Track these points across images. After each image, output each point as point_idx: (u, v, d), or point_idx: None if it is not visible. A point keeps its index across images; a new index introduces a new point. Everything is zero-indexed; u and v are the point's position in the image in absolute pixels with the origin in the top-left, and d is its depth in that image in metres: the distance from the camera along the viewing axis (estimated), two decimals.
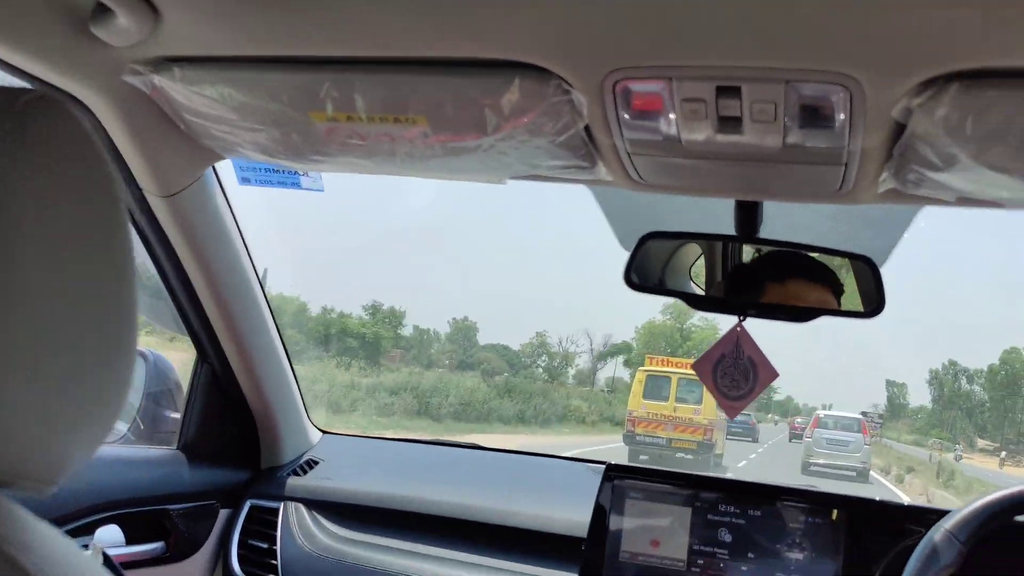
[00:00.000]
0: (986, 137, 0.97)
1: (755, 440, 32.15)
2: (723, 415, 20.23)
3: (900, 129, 1.02)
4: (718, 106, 1.02)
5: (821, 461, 21.06)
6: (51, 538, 0.54)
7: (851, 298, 1.46)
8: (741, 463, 20.84)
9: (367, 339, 36.55)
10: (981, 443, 47.38)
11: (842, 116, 1.01)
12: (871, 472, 22.36)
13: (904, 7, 0.84)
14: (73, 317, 0.57)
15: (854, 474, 20.82)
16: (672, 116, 1.06)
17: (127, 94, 1.25)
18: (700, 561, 1.60)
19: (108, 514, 1.59)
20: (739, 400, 1.44)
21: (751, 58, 0.96)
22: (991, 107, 0.94)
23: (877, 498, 1.62)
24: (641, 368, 20.26)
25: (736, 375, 1.44)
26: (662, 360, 21.29)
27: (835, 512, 1.59)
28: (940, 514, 1.42)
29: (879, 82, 0.95)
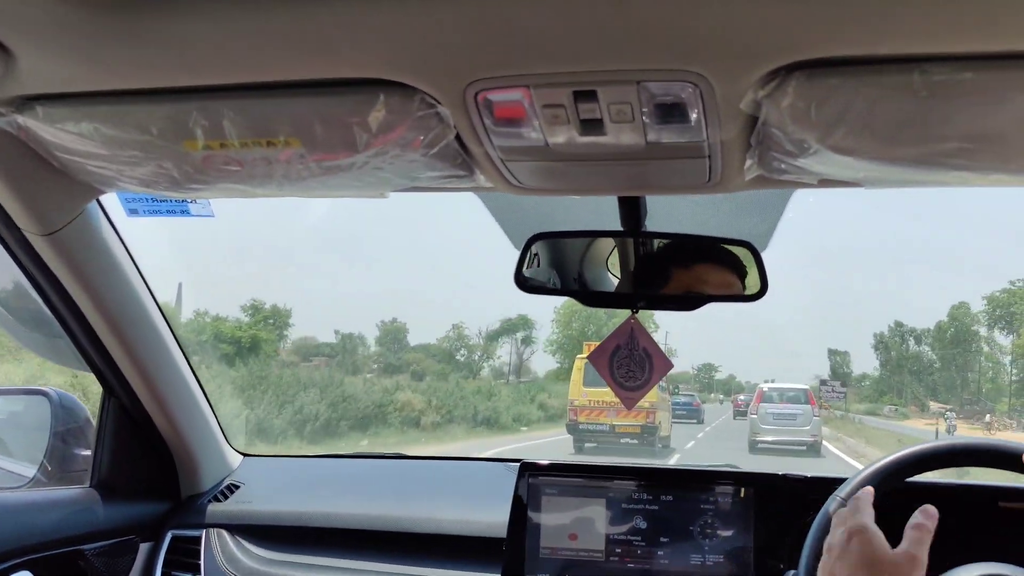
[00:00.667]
0: (830, 123, 1.01)
1: (700, 421, 32.09)
2: (667, 396, 20.75)
3: (753, 120, 1.06)
4: (578, 110, 1.05)
5: (768, 438, 20.17)
6: None
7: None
8: (689, 444, 21.14)
9: (243, 344, 31.52)
10: (934, 406, 46.64)
11: (696, 112, 1.04)
12: (824, 444, 21.50)
13: (741, 4, 0.88)
14: None
15: (804, 448, 19.90)
16: (535, 122, 1.08)
17: None
18: (618, 550, 1.64)
19: (17, 560, 1.56)
20: (635, 391, 1.48)
21: (602, 62, 0.98)
22: (831, 94, 0.98)
23: (780, 472, 1.68)
24: (579, 356, 20.15)
25: (632, 366, 1.47)
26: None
27: (743, 490, 1.64)
28: (839, 481, 1.47)
29: (724, 77, 0.98)
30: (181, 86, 1.12)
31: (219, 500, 1.96)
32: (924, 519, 1.15)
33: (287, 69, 1.07)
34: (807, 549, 1.34)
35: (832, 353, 61.78)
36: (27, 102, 1.16)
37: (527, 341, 49.14)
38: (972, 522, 1.53)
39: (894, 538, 1.44)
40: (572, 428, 18.42)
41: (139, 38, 1.01)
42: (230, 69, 1.08)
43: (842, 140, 1.04)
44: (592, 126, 1.08)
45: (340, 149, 1.17)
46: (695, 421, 31.55)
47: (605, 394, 16.50)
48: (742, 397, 41.64)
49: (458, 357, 47.20)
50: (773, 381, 26.79)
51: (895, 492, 1.39)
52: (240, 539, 1.88)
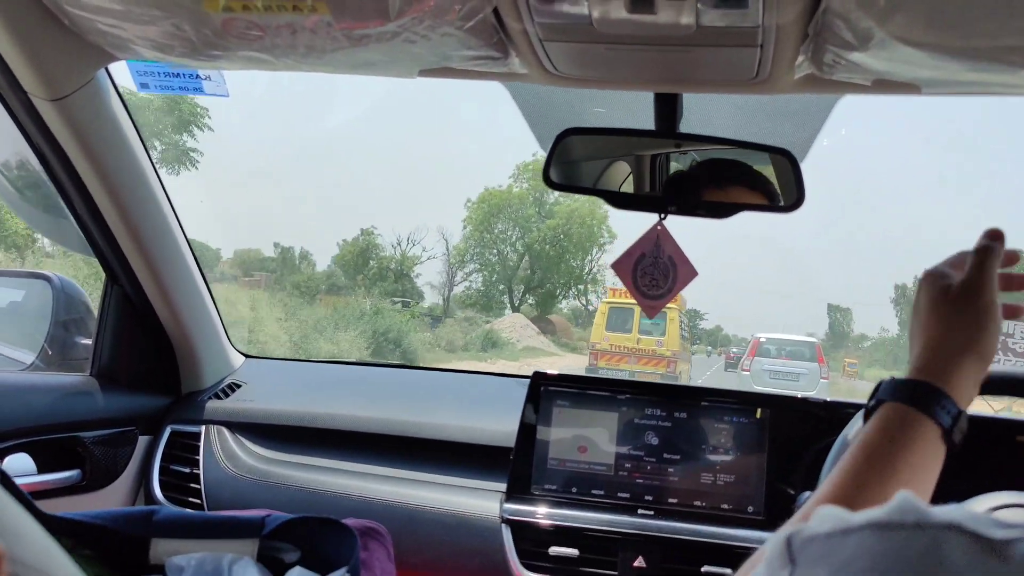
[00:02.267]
0: (898, 8, 0.94)
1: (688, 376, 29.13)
2: (688, 346, 19.98)
3: (815, 5, 0.99)
4: None
5: None
6: None
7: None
8: None
9: None
10: None
11: None
12: None
13: None
14: None
15: None
16: None
17: None
18: (627, 465, 1.60)
19: (15, 442, 1.52)
20: (658, 299, 1.43)
21: None
22: None
23: (799, 395, 1.64)
24: (604, 300, 19.42)
25: (656, 274, 1.42)
26: (624, 292, 20.57)
27: (759, 411, 1.60)
28: (859, 408, 1.44)
29: None
30: None
31: (220, 397, 1.93)
32: (987, 240, 0.97)
33: None
34: (826, 470, 1.30)
35: (833, 309, 55.69)
36: None
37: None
38: (992, 454, 1.50)
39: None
40: (591, 372, 17.32)
41: None
42: None
43: (910, 29, 0.97)
44: (642, 2, 1.01)
45: (370, 16, 1.10)
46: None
47: (627, 340, 17.23)
48: (735, 350, 37.06)
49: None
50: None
51: None
52: (240, 436, 1.85)
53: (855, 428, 1.32)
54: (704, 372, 29.86)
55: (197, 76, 1.49)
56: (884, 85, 1.15)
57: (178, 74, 1.48)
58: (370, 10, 1.09)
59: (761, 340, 18.70)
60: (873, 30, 0.99)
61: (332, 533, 1.13)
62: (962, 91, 1.15)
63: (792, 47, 1.09)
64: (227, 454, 1.81)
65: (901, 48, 1.01)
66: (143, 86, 1.51)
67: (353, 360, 2.45)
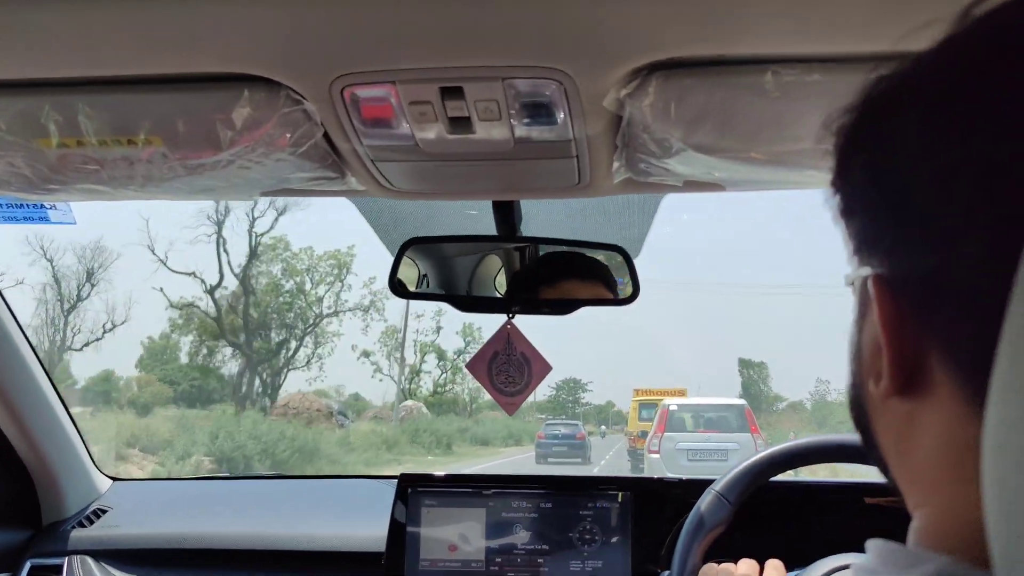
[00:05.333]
0: (690, 122, 1.04)
1: (586, 461, 24.00)
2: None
3: (619, 120, 1.08)
4: (445, 107, 1.05)
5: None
6: None
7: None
8: None
9: None
10: None
11: (562, 110, 1.05)
12: None
13: (603, 6, 0.90)
14: None
15: None
16: (403, 120, 1.08)
17: None
18: (498, 559, 1.63)
19: None
20: (516, 395, 1.48)
21: (467, 58, 0.99)
22: (690, 94, 1.01)
23: (656, 476, 1.71)
24: (634, 398, 24.71)
25: (511, 371, 1.47)
26: (648, 391, 25.23)
27: (620, 495, 1.65)
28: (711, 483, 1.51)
29: (587, 76, 1.00)
30: (33, 78, 1.07)
31: (84, 525, 1.87)
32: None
33: (146, 63, 1.03)
34: (680, 547, 1.36)
35: (745, 365, 46.60)
36: None
37: None
38: (838, 518, 1.59)
39: (762, 531, 1.49)
40: (632, 453, 21.33)
41: None
42: (86, 62, 1.04)
43: (703, 140, 1.07)
44: (461, 124, 1.08)
45: (204, 147, 1.14)
46: (579, 460, 23.73)
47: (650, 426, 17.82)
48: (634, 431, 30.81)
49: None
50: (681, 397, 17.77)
51: (765, 489, 1.43)
52: (105, 564, 1.79)
53: (701, 508, 1.39)
54: (604, 454, 26.36)
55: (42, 206, 1.49)
56: (693, 185, 1.25)
57: (22, 205, 1.48)
58: (203, 142, 1.13)
59: (671, 409, 14.85)
60: (671, 141, 1.08)
61: None
62: (761, 188, 1.26)
63: (606, 156, 1.18)
64: None
65: (698, 156, 1.11)
66: None
67: (224, 475, 2.39)
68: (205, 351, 32.29)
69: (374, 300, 34.72)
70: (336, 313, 34.79)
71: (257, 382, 32.01)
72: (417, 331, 40.73)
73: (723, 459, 13.02)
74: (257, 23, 0.95)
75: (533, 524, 1.64)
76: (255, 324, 32.16)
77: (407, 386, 38.95)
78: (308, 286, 34.31)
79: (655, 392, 24.02)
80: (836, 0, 0.87)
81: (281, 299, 33.36)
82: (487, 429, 33.63)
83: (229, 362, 32.31)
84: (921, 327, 0.46)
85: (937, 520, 0.47)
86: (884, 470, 0.55)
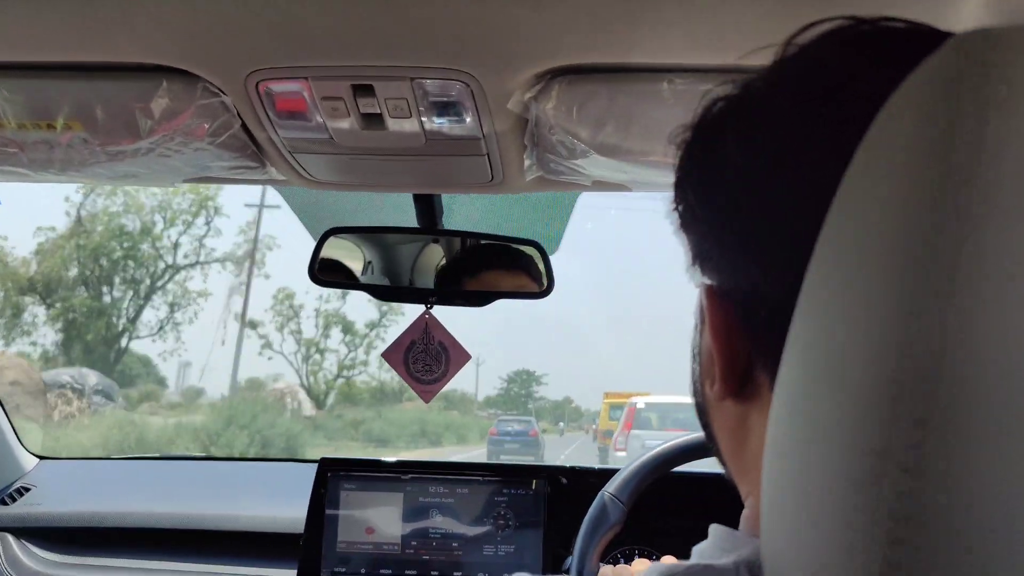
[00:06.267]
0: (593, 126, 1.09)
1: (539, 459, 22.61)
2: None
3: (526, 120, 1.13)
4: (357, 104, 1.09)
5: None
6: None
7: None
8: None
9: None
10: None
11: (469, 110, 1.10)
12: None
13: (505, 11, 0.94)
14: None
15: None
16: (317, 115, 1.12)
17: None
18: (413, 542, 1.67)
19: None
20: (434, 383, 1.52)
21: (377, 57, 1.03)
22: (591, 99, 1.06)
23: (569, 465, 1.76)
24: (605, 400, 26.12)
25: (428, 360, 1.51)
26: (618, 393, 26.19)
27: (535, 482, 1.71)
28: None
29: (492, 78, 1.04)
30: None
31: (5, 503, 1.88)
32: None
33: (67, 50, 1.06)
34: (578, 549, 1.42)
35: None
36: None
37: None
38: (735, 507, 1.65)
39: (663, 513, 1.55)
40: (601, 450, 22.89)
41: None
42: (6, 46, 1.06)
43: (605, 141, 1.13)
44: (373, 120, 1.12)
45: (123, 135, 1.17)
46: (532, 458, 22.59)
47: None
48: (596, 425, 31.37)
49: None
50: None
51: (667, 480, 1.49)
52: (25, 542, 1.81)
53: (595, 510, 1.45)
54: (561, 452, 26.57)
55: None
56: (601, 184, 1.30)
57: None
58: (122, 129, 1.16)
59: (639, 407, 15.06)
60: (575, 142, 1.13)
61: None
62: (666, 190, 1.31)
63: (516, 155, 1.23)
64: (10, 562, 1.76)
65: (603, 159, 1.16)
66: None
67: (151, 455, 2.40)
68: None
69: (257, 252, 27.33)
70: (197, 264, 26.45)
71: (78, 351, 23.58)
72: (320, 297, 32.61)
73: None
74: (174, 16, 0.98)
75: (449, 509, 1.69)
76: (89, 276, 24.02)
77: (303, 367, 32.24)
78: (161, 227, 25.55)
79: (626, 395, 24.67)
80: (722, 15, 0.93)
81: (122, 244, 24.64)
82: (391, 423, 29.12)
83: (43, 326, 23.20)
84: (747, 337, 0.50)
85: (755, 508, 0.52)
86: (723, 463, 0.59)
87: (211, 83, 1.08)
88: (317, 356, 32.75)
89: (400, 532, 1.68)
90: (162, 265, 25.91)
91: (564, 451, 26.84)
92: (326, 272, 1.45)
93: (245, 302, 27.34)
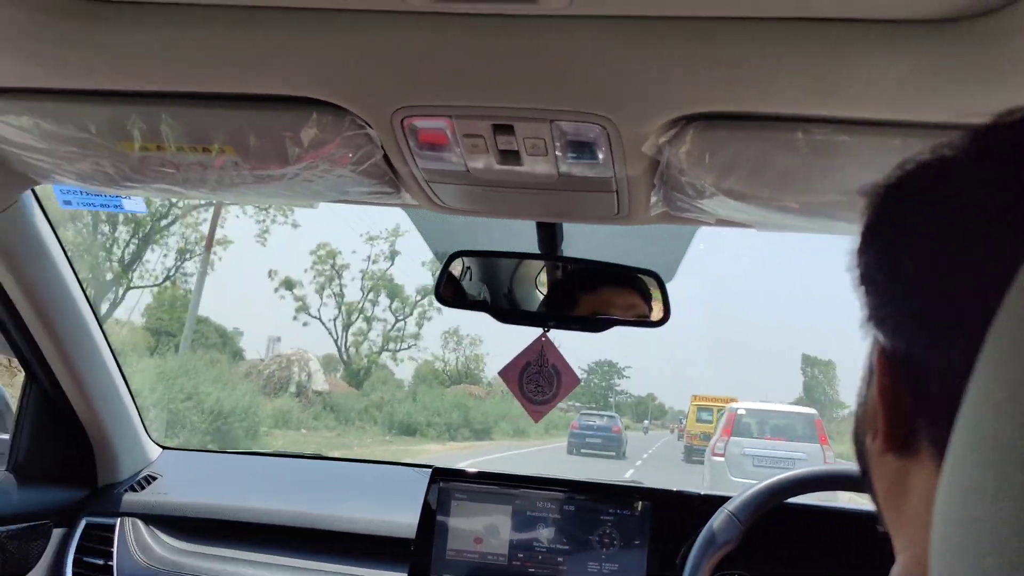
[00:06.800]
0: (723, 170, 1.11)
1: (622, 456, 23.33)
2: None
3: (657, 162, 1.16)
4: (496, 141, 1.13)
5: None
6: None
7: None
8: None
9: None
10: None
11: (603, 150, 1.13)
12: None
13: (646, 61, 0.97)
14: None
15: None
16: (457, 149, 1.16)
17: None
18: (520, 555, 1.72)
19: None
20: (543, 404, 1.56)
21: (519, 100, 1.06)
22: (724, 145, 1.08)
23: (675, 489, 1.78)
24: (693, 402, 27.30)
25: (541, 381, 1.55)
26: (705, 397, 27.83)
27: (640, 504, 1.73)
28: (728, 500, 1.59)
29: (629, 122, 1.07)
30: (123, 90, 1.17)
31: (135, 490, 1.99)
32: None
33: (226, 82, 1.13)
34: (691, 561, 1.44)
35: (809, 362, 40.65)
36: None
37: None
38: (849, 544, 1.65)
39: (771, 553, 1.55)
40: (688, 449, 24.27)
41: (87, 43, 1.07)
42: (171, 78, 1.13)
43: (734, 186, 1.14)
44: (509, 156, 1.16)
45: (272, 161, 1.24)
46: (613, 455, 23.05)
47: (709, 427, 22.33)
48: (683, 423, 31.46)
49: None
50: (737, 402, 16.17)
51: (776, 511, 1.50)
52: (154, 529, 1.92)
53: (714, 526, 1.46)
54: (643, 452, 25.91)
55: (117, 196, 1.60)
56: (725, 222, 1.32)
57: (99, 194, 1.59)
58: (272, 156, 1.23)
59: (739, 413, 14.40)
60: (704, 185, 1.15)
61: None
62: (790, 231, 1.32)
63: (644, 192, 1.26)
64: (141, 547, 1.87)
65: (730, 200, 1.18)
66: (66, 203, 1.62)
67: (267, 452, 2.53)
68: None
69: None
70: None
71: None
72: (369, 259, 29.12)
73: (789, 468, 10.91)
74: (330, 55, 1.04)
75: (556, 524, 1.73)
76: None
77: (342, 336, 28.78)
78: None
79: (712, 399, 26.89)
80: (861, 69, 0.93)
81: None
82: (424, 408, 25.14)
83: None
84: (913, 400, 0.51)
85: (909, 566, 0.53)
86: (879, 512, 0.60)
87: (359, 117, 1.14)
88: (363, 324, 29.36)
89: (508, 543, 1.72)
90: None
91: (647, 450, 26.73)
92: (450, 292, 1.50)
93: (212, 226, 20.83)
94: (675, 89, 1.01)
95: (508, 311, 1.57)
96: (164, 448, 2.21)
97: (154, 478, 2.05)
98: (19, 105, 1.21)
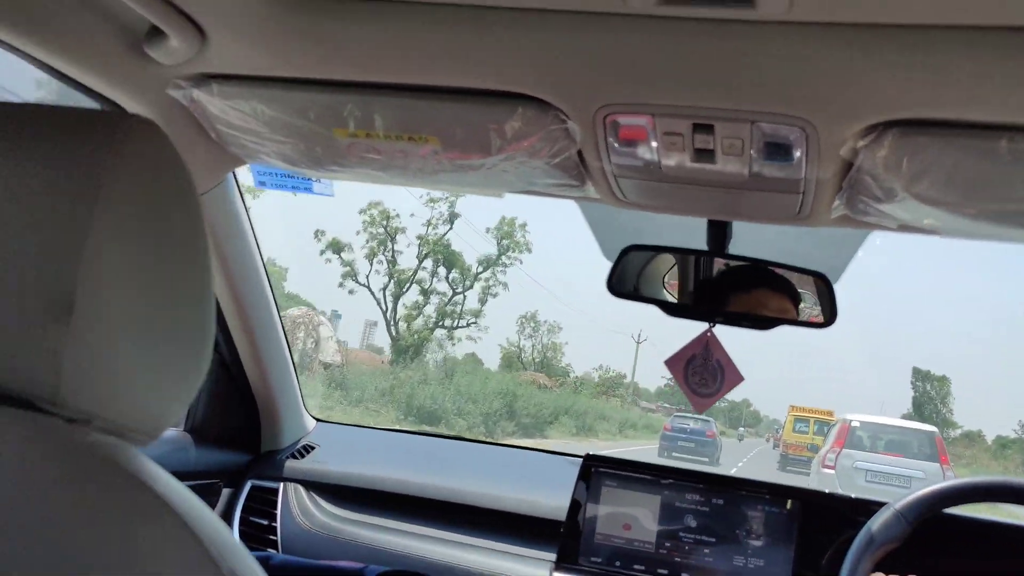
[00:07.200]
0: (918, 176, 1.13)
1: (716, 462, 22.72)
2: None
3: (849, 165, 1.19)
4: (694, 140, 1.18)
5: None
6: (165, 475, 0.68)
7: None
8: None
9: None
10: None
11: (799, 152, 1.16)
12: None
13: (853, 66, 1.01)
14: (170, 300, 0.71)
15: None
16: (654, 145, 1.22)
17: (167, 105, 1.39)
18: (667, 544, 1.76)
19: None
20: (708, 397, 1.60)
21: (721, 100, 1.11)
22: (923, 151, 1.10)
23: (827, 490, 1.80)
24: (791, 412, 27.81)
25: (705, 375, 1.60)
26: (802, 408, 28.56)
27: (789, 502, 1.75)
28: (882, 506, 1.60)
29: (829, 126, 1.11)
30: (343, 79, 1.27)
31: (296, 457, 2.12)
32: None
33: (441, 76, 1.21)
34: (851, 555, 1.46)
35: (919, 376, 38.27)
36: (205, 79, 1.31)
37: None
38: (1010, 560, 1.64)
39: (931, 559, 1.56)
40: (784, 458, 25.72)
41: (315, 34, 1.17)
42: (391, 70, 1.22)
43: (926, 192, 1.16)
44: (704, 155, 1.21)
45: (475, 151, 1.31)
46: (706, 460, 22.36)
47: (806, 438, 25.68)
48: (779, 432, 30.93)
49: None
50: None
51: (941, 518, 1.51)
52: (314, 495, 2.04)
53: (879, 522, 1.48)
54: (739, 459, 24.90)
55: (309, 179, 1.71)
56: (907, 228, 1.34)
57: (292, 175, 1.70)
58: (475, 146, 1.30)
59: (853, 425, 13.97)
60: (896, 190, 1.18)
61: None
62: (976, 238, 1.33)
63: (829, 195, 1.29)
64: (302, 510, 1.99)
65: (919, 205, 1.20)
66: (261, 183, 1.74)
67: (415, 430, 2.61)
68: None
69: None
70: None
71: None
72: (429, 223, 25.63)
73: (904, 486, 11.16)
74: (545, 53, 1.11)
75: (703, 516, 1.77)
76: None
77: (389, 309, 25.31)
78: None
79: (808, 410, 27.81)
80: None
81: None
82: (458, 395, 21.38)
83: None
84: None
85: None
86: None
87: (562, 112, 1.20)
88: (417, 297, 26.05)
89: (655, 532, 1.77)
90: None
91: (742, 459, 25.79)
92: (622, 285, 1.56)
93: None
94: (880, 94, 1.04)
95: (677, 306, 1.62)
96: (318, 420, 2.33)
97: (312, 447, 2.17)
98: (247, 91, 1.32)
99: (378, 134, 1.33)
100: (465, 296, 26.29)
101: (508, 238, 26.03)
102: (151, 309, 0.69)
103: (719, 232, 1.54)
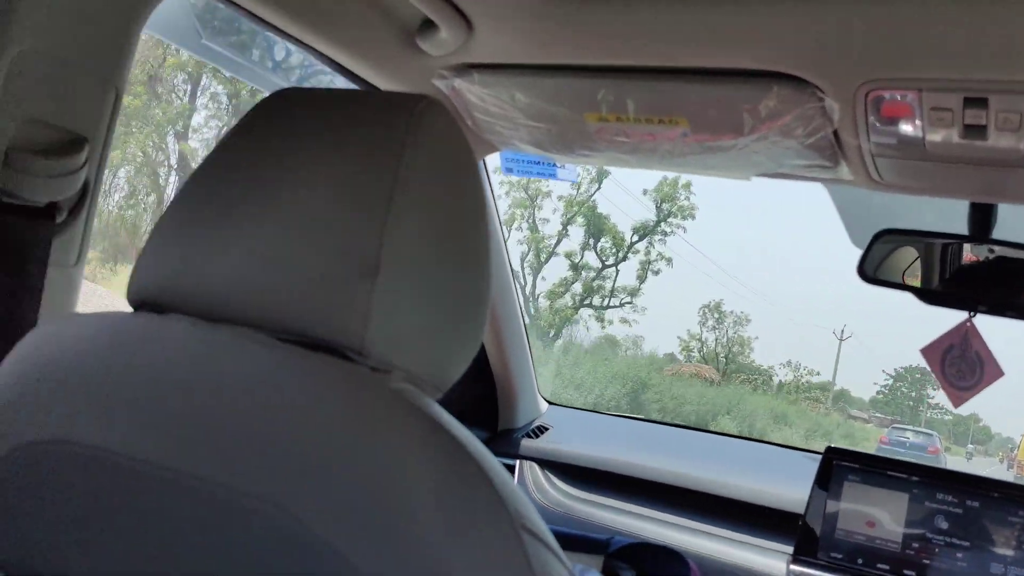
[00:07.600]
0: None
1: None
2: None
3: None
4: (964, 115, 1.13)
5: None
6: (456, 422, 0.74)
7: None
8: None
9: None
10: None
11: None
12: None
13: None
14: (458, 266, 0.77)
15: None
16: (919, 123, 1.17)
17: (429, 94, 1.49)
18: (915, 544, 1.68)
19: None
20: (965, 391, 1.52)
21: (998, 71, 1.06)
22: None
23: None
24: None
25: (963, 367, 1.51)
26: None
27: None
28: None
29: None
30: (595, 64, 1.31)
31: (531, 437, 2.20)
32: None
33: (694, 57, 1.23)
34: None
35: None
36: (467, 69, 1.40)
37: None
38: None
39: None
40: (1018, 479, 24.81)
41: (573, 21, 1.22)
42: (643, 53, 1.25)
43: None
44: (974, 131, 1.15)
45: (725, 132, 1.32)
46: None
47: None
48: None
49: None
50: None
51: None
52: (549, 473, 2.11)
53: None
54: None
55: (553, 164, 1.78)
56: None
57: (538, 161, 1.77)
58: (726, 127, 1.31)
59: None
60: None
61: (669, 562, 1.33)
62: None
63: None
64: (537, 487, 2.06)
65: None
66: (508, 170, 1.82)
67: (646, 418, 2.63)
68: None
69: None
70: None
71: None
72: (577, 188, 21.66)
73: None
74: (801, 29, 1.10)
75: (956, 519, 1.67)
76: None
77: (528, 284, 21.50)
78: None
79: None
80: None
81: None
82: (558, 375, 18.39)
83: None
84: None
85: None
86: None
87: (820, 89, 1.18)
88: (563, 271, 21.84)
89: (901, 532, 1.69)
90: None
91: None
92: (874, 269, 1.51)
93: None
94: None
95: (934, 292, 1.54)
96: (550, 403, 2.40)
97: (545, 428, 2.25)
98: (505, 79, 1.39)
99: (628, 117, 1.36)
100: (618, 270, 22.19)
101: (669, 201, 21.42)
102: (442, 273, 0.75)
103: (983, 216, 1.45)
